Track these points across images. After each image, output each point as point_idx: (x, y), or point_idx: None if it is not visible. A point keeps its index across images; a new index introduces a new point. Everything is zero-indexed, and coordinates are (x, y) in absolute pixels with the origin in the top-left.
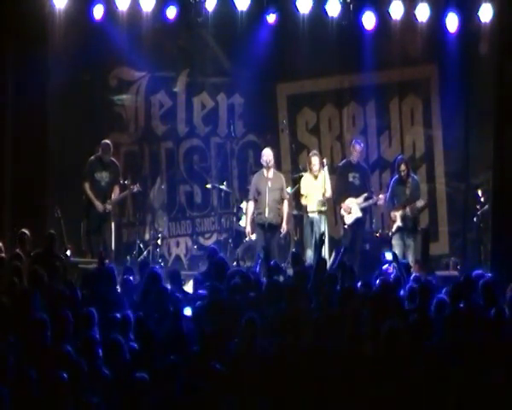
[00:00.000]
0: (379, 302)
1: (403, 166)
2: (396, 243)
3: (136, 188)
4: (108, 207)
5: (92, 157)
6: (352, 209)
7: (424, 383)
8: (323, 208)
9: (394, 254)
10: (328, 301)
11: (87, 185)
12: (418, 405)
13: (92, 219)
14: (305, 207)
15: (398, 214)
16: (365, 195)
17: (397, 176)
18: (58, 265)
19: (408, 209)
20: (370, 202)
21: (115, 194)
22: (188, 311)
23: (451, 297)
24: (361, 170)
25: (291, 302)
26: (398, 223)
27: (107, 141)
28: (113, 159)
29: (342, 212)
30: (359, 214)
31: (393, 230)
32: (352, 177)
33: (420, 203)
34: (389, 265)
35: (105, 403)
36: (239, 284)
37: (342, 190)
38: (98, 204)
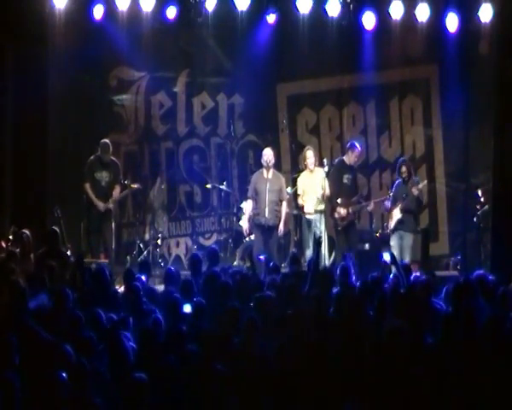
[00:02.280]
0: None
1: (403, 168)
2: (394, 243)
3: (136, 186)
4: (110, 205)
5: (92, 157)
6: (349, 212)
7: (424, 383)
8: (321, 207)
9: (392, 255)
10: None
11: (88, 186)
12: (418, 404)
13: (93, 218)
14: (302, 207)
15: (397, 209)
16: (356, 197)
17: (399, 179)
18: (62, 263)
19: (414, 189)
20: (360, 205)
21: (116, 193)
22: (187, 308)
23: (451, 298)
24: (353, 171)
25: (289, 302)
26: (398, 215)
27: (106, 140)
28: (113, 158)
29: (336, 215)
30: (352, 217)
31: (393, 226)
32: (346, 178)
33: (421, 185)
34: (387, 265)
35: (104, 403)
36: (231, 284)
37: (336, 192)
38: (99, 204)
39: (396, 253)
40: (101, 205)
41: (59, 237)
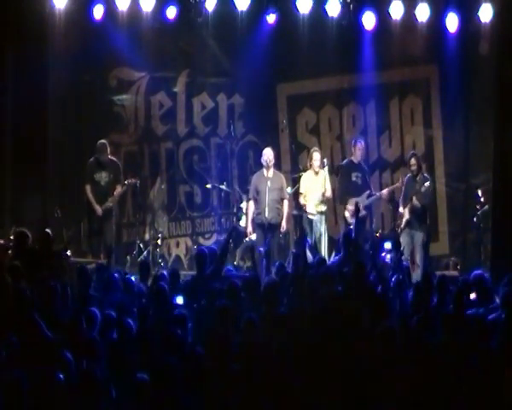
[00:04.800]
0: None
1: (412, 161)
2: (404, 242)
3: (133, 180)
4: (110, 204)
5: (91, 159)
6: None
7: (423, 383)
8: (323, 208)
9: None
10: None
11: (88, 188)
12: (417, 404)
13: (93, 219)
14: (304, 206)
15: (406, 209)
16: (367, 192)
17: (409, 174)
18: (57, 264)
19: (414, 199)
20: (374, 197)
21: (117, 192)
22: (180, 300)
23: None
24: (363, 169)
25: (289, 302)
26: (406, 216)
27: (103, 141)
28: (112, 158)
29: (346, 213)
30: (364, 213)
31: (402, 225)
32: (355, 176)
33: (424, 188)
34: (386, 253)
35: (105, 403)
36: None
37: (345, 190)
38: (97, 208)
39: (406, 251)
40: (98, 210)
41: (50, 238)
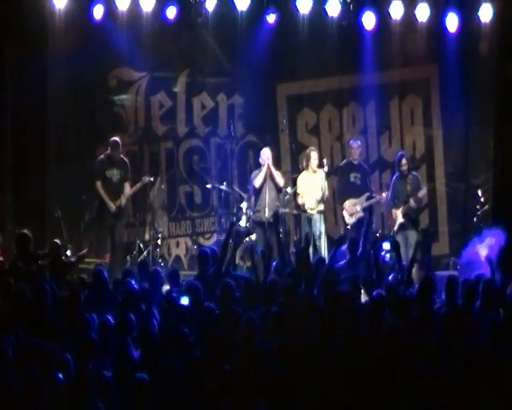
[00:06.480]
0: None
1: (404, 161)
2: (400, 242)
3: (147, 179)
4: (123, 201)
5: (102, 156)
6: (357, 210)
7: (423, 383)
8: (321, 208)
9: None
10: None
11: (99, 184)
12: (416, 404)
13: (106, 217)
14: (303, 205)
15: (398, 211)
16: (367, 194)
17: (398, 173)
18: (66, 271)
19: (412, 201)
20: (373, 200)
21: (127, 189)
22: (185, 300)
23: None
24: (362, 170)
25: (289, 301)
26: (400, 219)
27: (116, 138)
28: (122, 156)
29: (344, 213)
30: (361, 214)
31: (395, 228)
32: (354, 177)
33: (421, 193)
34: (386, 253)
35: (106, 405)
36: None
37: (344, 191)
38: (111, 205)
39: (402, 251)
40: (112, 206)
41: (60, 248)
